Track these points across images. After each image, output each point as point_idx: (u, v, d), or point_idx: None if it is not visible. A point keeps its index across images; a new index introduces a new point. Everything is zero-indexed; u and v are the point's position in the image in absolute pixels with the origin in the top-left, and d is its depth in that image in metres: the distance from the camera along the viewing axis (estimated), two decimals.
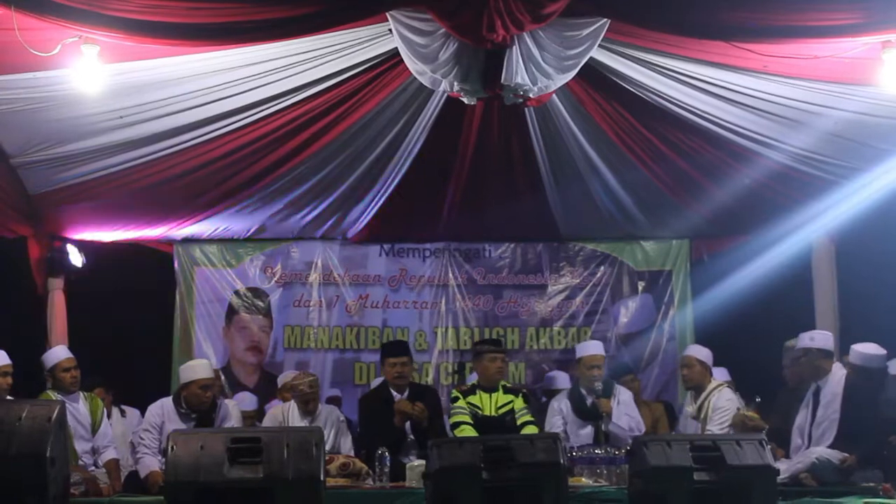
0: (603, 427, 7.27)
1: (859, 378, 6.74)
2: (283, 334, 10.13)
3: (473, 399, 7.42)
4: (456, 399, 7.49)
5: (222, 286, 10.11)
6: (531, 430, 7.29)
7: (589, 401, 7.41)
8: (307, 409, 7.37)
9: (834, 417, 6.50)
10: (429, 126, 8.13)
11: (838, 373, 6.75)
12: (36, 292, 9.02)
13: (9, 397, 6.60)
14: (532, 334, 10.23)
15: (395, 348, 7.81)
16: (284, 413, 7.47)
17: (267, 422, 7.68)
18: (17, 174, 7.98)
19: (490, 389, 7.45)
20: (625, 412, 7.45)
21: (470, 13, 6.11)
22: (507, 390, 7.55)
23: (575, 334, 10.09)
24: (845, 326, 8.80)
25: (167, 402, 7.04)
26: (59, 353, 7.27)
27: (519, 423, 7.32)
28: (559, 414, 7.56)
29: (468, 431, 7.17)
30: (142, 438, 6.90)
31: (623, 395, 7.60)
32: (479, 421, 7.28)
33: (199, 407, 6.93)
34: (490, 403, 7.39)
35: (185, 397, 6.95)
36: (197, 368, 7.15)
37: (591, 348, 7.76)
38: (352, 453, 7.16)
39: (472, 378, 7.96)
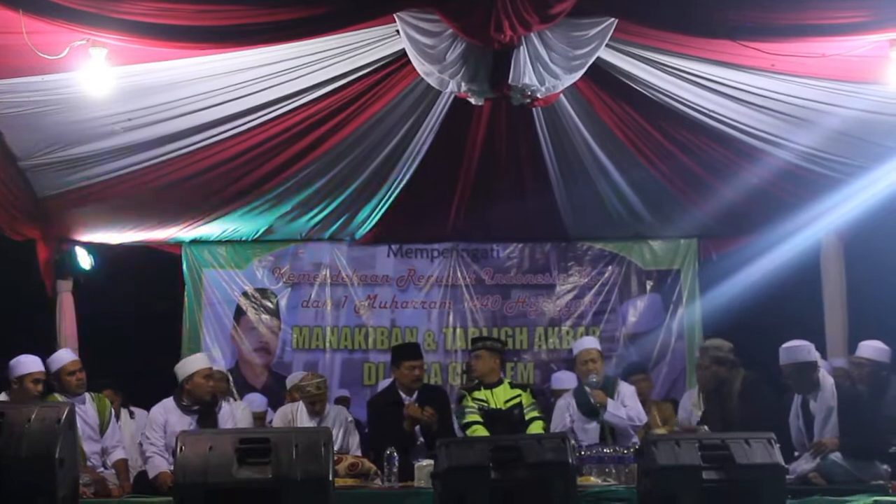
0: (600, 418, 7.27)
1: (861, 378, 6.67)
2: (292, 335, 10.14)
3: (479, 395, 7.46)
4: (462, 397, 7.53)
5: (231, 287, 10.13)
6: (539, 425, 7.35)
7: (592, 397, 7.41)
8: (315, 409, 7.40)
9: (834, 433, 6.42)
10: (436, 127, 8.13)
11: (827, 383, 6.63)
12: (45, 295, 9.02)
13: None
14: (541, 334, 10.22)
15: (411, 351, 7.74)
16: (293, 413, 7.50)
17: (276, 422, 7.71)
18: (26, 177, 7.97)
19: (492, 385, 7.49)
20: (623, 403, 7.41)
21: (477, 14, 6.12)
22: (513, 385, 7.64)
23: (583, 334, 10.03)
24: (854, 324, 8.79)
25: (168, 400, 7.12)
26: (63, 356, 7.24)
27: (527, 417, 7.36)
28: (566, 411, 7.57)
29: (480, 432, 7.18)
30: (147, 438, 6.96)
31: (625, 390, 7.56)
32: (488, 414, 7.31)
33: (203, 398, 7.01)
34: (496, 397, 7.43)
35: (189, 390, 7.03)
36: (195, 361, 7.30)
37: (584, 343, 7.81)
38: (360, 453, 7.18)
39: None
